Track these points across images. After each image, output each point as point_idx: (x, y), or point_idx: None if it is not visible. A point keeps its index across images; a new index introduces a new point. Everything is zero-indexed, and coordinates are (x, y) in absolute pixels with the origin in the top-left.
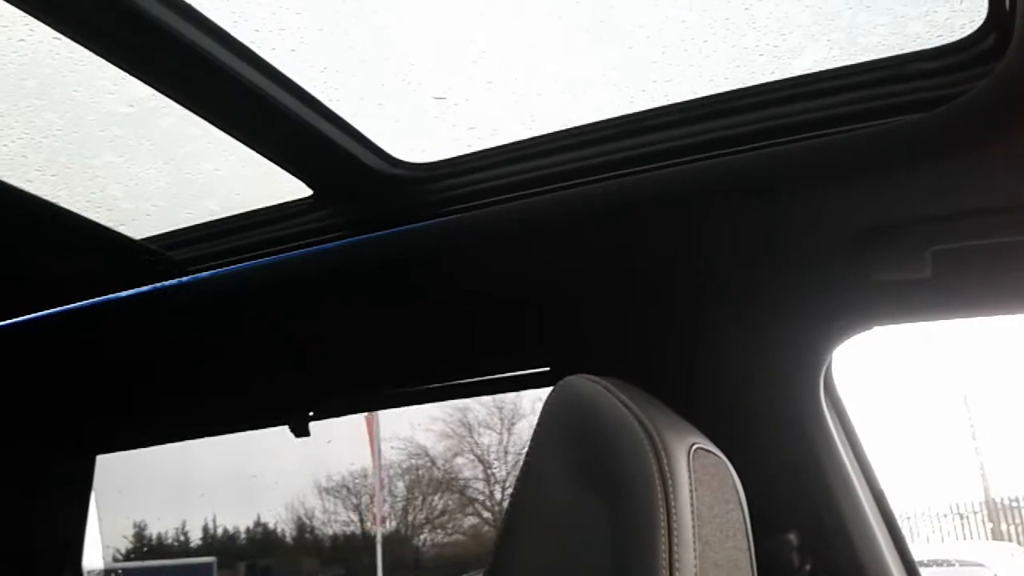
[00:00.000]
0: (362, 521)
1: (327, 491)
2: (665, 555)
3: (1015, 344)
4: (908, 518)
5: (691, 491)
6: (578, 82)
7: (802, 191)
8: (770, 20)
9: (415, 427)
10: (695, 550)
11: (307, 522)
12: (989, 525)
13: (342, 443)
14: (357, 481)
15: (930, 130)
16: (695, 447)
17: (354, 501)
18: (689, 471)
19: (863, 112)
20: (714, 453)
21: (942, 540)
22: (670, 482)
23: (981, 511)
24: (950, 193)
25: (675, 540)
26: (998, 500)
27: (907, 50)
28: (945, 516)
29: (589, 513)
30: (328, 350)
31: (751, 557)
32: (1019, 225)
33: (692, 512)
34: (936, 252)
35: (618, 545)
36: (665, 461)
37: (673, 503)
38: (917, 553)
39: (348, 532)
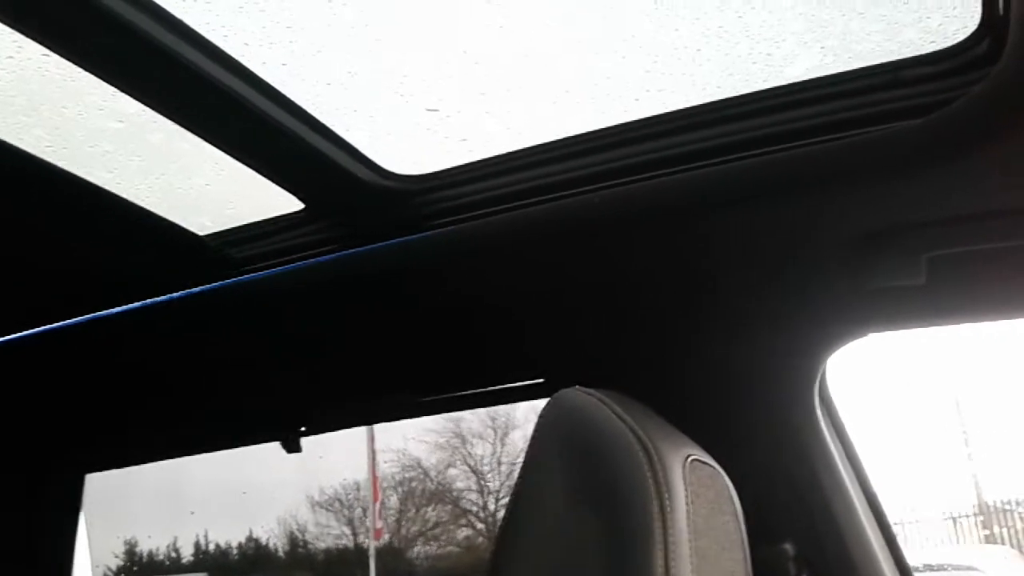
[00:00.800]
0: (355, 535)
1: (319, 505)
2: (661, 567)
3: (1006, 348)
4: (901, 525)
5: (687, 503)
6: (571, 92)
7: (796, 199)
8: (763, 28)
9: (408, 439)
10: (691, 563)
11: (300, 536)
12: (985, 532)
13: (335, 455)
14: (350, 495)
15: (924, 136)
16: (691, 459)
17: (347, 515)
18: (685, 483)
19: (857, 119)
20: (710, 464)
21: (935, 546)
22: (666, 494)
23: (974, 515)
24: (944, 199)
25: (671, 552)
26: (991, 503)
27: (901, 56)
28: (938, 526)
29: (585, 525)
30: (321, 364)
31: (747, 568)
32: (1014, 230)
33: (688, 524)
34: (931, 258)
35: (614, 557)
36: (661, 473)
37: (669, 515)
38: (911, 558)
39: (341, 546)
